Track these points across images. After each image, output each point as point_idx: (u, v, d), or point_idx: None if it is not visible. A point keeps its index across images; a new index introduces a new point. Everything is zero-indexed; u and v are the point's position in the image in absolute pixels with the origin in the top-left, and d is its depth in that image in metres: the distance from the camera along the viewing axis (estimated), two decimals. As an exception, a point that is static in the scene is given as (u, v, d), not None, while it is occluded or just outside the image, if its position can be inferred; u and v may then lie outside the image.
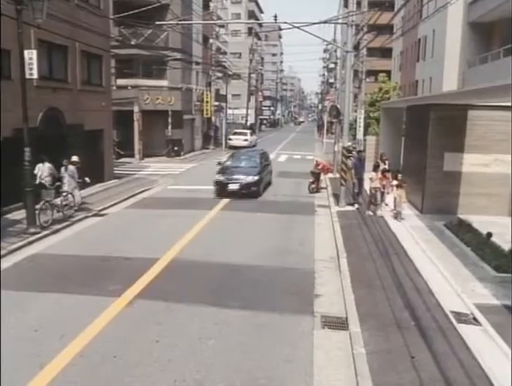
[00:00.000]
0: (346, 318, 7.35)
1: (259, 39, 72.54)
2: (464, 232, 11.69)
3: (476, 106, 13.93)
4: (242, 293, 8.47)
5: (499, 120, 13.99)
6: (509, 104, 13.13)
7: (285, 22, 17.62)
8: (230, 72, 45.96)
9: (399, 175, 14.36)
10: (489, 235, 11.06)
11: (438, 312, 7.54)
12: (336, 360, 6.26)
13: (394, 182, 14.33)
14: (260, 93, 73.41)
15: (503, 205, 14.12)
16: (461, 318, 7.32)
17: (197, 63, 35.19)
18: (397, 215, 13.81)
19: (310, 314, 7.60)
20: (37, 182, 12.99)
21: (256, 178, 17.50)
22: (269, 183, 20.02)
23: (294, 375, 5.92)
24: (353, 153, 18.12)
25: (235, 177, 17.40)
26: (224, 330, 7.04)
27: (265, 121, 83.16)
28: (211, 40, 40.49)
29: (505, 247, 10.42)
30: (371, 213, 14.41)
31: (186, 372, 5.90)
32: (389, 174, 14.77)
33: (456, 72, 26.89)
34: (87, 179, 14.84)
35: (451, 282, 8.78)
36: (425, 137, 14.59)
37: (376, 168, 14.90)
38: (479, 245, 10.56)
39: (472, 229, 11.96)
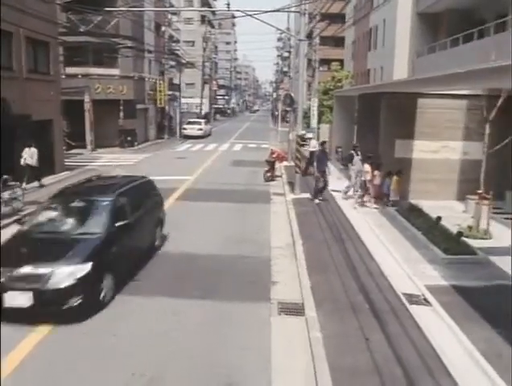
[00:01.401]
0: (302, 303, 7.46)
1: (213, 27, 71.67)
2: (415, 217, 12.07)
3: (425, 94, 14.34)
4: (200, 282, 8.45)
5: (447, 108, 14.47)
6: (456, 92, 13.61)
7: (238, 10, 17.57)
8: (184, 61, 45.32)
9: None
10: (439, 219, 11.46)
11: (391, 294, 7.78)
12: (294, 345, 6.35)
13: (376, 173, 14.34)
14: (214, 82, 72.89)
15: (451, 190, 14.67)
16: (413, 299, 7.58)
17: (149, 52, 34.50)
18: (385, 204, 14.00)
19: (267, 301, 7.67)
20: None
21: (78, 270, 6.96)
22: (158, 223, 10.55)
23: (252, 361, 5.98)
24: (309, 141, 18.19)
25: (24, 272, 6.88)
26: (183, 321, 7.01)
27: (219, 110, 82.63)
28: (163, 28, 39.75)
29: (454, 230, 10.85)
30: (374, 206, 14.15)
31: (145, 365, 5.84)
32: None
33: (406, 62, 27.50)
34: (42, 182, 14.72)
35: (403, 265, 9.06)
36: (377, 125, 14.92)
37: (351, 159, 14.95)
38: (429, 229, 10.93)
39: (423, 214, 12.37)
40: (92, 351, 6.15)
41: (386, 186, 14.07)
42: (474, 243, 10.29)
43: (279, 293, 7.95)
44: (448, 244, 9.86)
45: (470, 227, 11.23)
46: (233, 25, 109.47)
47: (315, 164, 15.43)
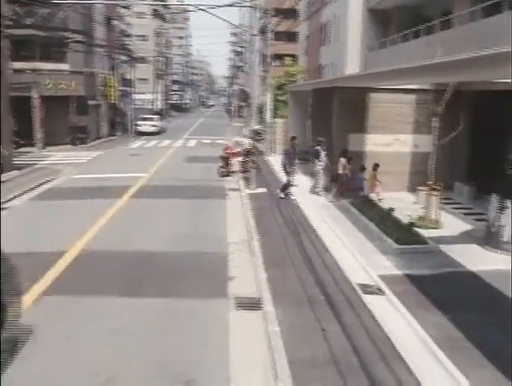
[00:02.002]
0: (260, 297, 7.50)
1: (165, 21, 70.69)
2: (368, 209, 12.34)
3: (376, 89, 14.66)
4: (157, 280, 8.34)
5: (397, 102, 14.85)
6: (406, 86, 13.99)
7: (190, 5, 17.41)
8: (136, 56, 44.52)
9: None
10: (391, 210, 11.78)
11: (345, 285, 7.93)
12: (252, 340, 6.37)
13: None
14: (168, 77, 71.96)
15: (403, 182, 15.08)
16: (367, 289, 7.75)
17: (100, 46, 33.67)
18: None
19: (224, 296, 7.65)
20: None
21: None
22: None
23: (211, 357, 5.95)
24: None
25: None
26: (138, 320, 6.89)
27: (174, 106, 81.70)
28: (114, 22, 38.86)
29: (405, 220, 11.18)
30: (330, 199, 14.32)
31: (101, 366, 5.72)
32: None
33: (358, 56, 28.00)
34: None
35: (357, 256, 9.26)
36: (330, 119, 15.14)
37: (317, 155, 14.97)
38: (382, 220, 11.20)
39: (376, 205, 12.67)
40: (46, 354, 5.96)
41: (359, 180, 14.30)
42: (425, 232, 10.63)
43: (237, 289, 7.95)
44: (400, 234, 10.14)
45: (421, 218, 11.59)
46: (186, 19, 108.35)
47: (285, 162, 14.95)
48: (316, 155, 15.18)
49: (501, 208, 9.81)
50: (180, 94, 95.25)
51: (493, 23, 14.11)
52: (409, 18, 22.77)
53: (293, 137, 15.78)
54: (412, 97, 14.75)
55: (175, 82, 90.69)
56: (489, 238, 10.10)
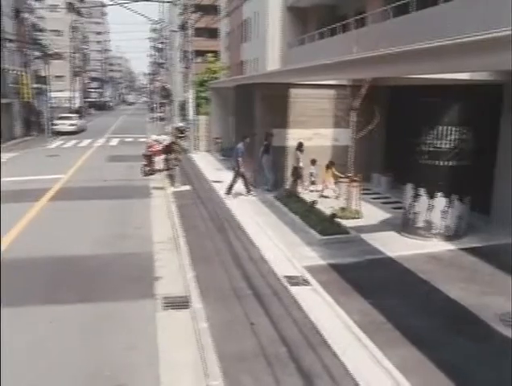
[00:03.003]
0: (187, 295, 7.43)
1: (81, 15, 67.93)
2: (293, 202, 12.60)
3: (297, 85, 14.95)
4: (80, 285, 8.03)
5: (317, 97, 15.24)
6: (325, 82, 14.39)
7: (106, -1, 16.77)
8: (50, 52, 42.43)
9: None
10: (314, 202, 12.10)
11: (272, 278, 8.05)
12: (180, 339, 6.30)
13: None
14: (86, 74, 69.31)
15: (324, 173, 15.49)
16: (293, 280, 7.92)
17: (10, 41, 31.75)
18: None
19: (151, 297, 7.51)
20: None
21: None
22: None
23: (139, 360, 5.83)
24: (183, 130, 17.75)
25: None
26: (61, 328, 6.60)
27: (93, 104, 78.82)
28: (25, 15, 36.78)
29: (328, 212, 11.53)
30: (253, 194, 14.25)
31: (21, 381, 5.41)
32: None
33: (278, 53, 28.45)
34: None
35: (282, 249, 9.43)
36: (253, 115, 15.26)
37: (267, 150, 14.76)
38: (305, 213, 11.48)
39: (300, 199, 12.96)
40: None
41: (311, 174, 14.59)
42: (347, 223, 11.03)
43: (164, 288, 7.83)
44: (323, 225, 10.44)
45: (342, 209, 12.00)
46: (104, 14, 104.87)
47: (239, 159, 14.25)
48: (267, 151, 14.76)
49: (416, 196, 10.38)
50: (100, 92, 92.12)
51: (402, 22, 14.87)
52: (326, 16, 23.48)
53: (246, 136, 14.77)
54: (331, 92, 15.20)
55: (93, 79, 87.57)
56: (406, 225, 10.66)
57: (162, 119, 35.31)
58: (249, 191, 14.33)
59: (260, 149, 14.84)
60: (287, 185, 14.63)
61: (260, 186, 14.91)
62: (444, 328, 6.56)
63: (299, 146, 14.48)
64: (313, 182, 14.76)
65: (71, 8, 58.98)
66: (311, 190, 14.58)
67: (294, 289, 7.57)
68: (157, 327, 6.58)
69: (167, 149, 17.43)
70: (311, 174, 14.83)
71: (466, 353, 5.96)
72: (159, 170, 18.13)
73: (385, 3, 16.76)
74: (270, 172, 14.85)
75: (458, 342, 6.21)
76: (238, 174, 14.33)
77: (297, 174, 14.33)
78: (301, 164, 14.39)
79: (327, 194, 14.02)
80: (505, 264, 8.76)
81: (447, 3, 13.07)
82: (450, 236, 10.19)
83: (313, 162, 14.73)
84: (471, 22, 11.07)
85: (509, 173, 10.57)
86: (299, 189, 14.36)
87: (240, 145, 14.34)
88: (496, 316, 6.83)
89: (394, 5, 15.60)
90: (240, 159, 14.15)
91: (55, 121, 38.29)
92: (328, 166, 14.24)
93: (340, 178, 13.60)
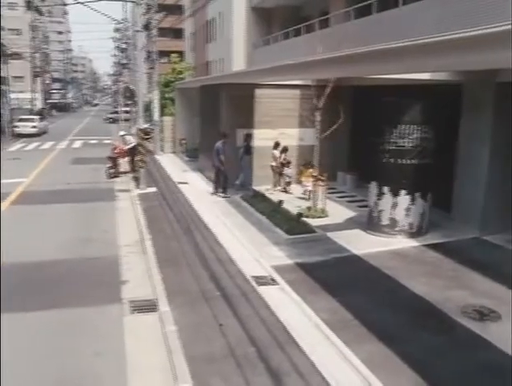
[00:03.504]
0: (155, 299, 7.36)
1: (41, 14, 66.22)
2: (259, 202, 12.64)
3: (262, 85, 15.00)
4: (46, 291, 7.83)
5: (282, 97, 15.34)
6: (289, 82, 14.49)
7: (66, -2, 16.42)
8: (9, 51, 41.21)
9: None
10: (280, 202, 12.17)
11: (240, 278, 8.06)
12: (149, 343, 6.24)
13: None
14: (47, 75, 67.71)
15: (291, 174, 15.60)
16: (261, 280, 7.95)
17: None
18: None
19: (118, 301, 7.40)
20: None
21: None
22: None
23: (107, 366, 5.74)
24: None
25: None
26: (26, 337, 6.43)
27: (56, 106, 76.99)
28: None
29: (294, 211, 11.61)
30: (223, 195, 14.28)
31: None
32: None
33: (243, 53, 28.45)
34: None
35: (250, 249, 9.45)
36: (218, 116, 15.23)
37: (248, 151, 14.85)
38: (272, 213, 11.54)
39: (266, 198, 13.01)
40: None
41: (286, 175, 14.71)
42: (313, 222, 11.14)
43: (131, 292, 7.72)
44: (290, 225, 10.52)
45: (309, 208, 12.11)
46: (65, 13, 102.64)
47: (221, 157, 14.20)
48: (247, 151, 14.90)
49: (380, 194, 10.57)
50: (62, 93, 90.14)
51: (363, 23, 15.10)
52: (291, 17, 23.61)
53: (224, 134, 14.63)
54: (296, 92, 15.31)
55: (55, 80, 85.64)
56: (371, 223, 10.85)
57: (127, 120, 34.80)
58: (225, 191, 14.34)
59: (240, 150, 14.97)
60: (269, 184, 14.76)
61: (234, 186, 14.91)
62: (410, 323, 6.72)
63: (276, 146, 14.71)
64: (289, 183, 14.80)
65: (30, 6, 57.38)
66: (284, 191, 14.65)
67: (262, 289, 7.60)
68: (124, 332, 6.49)
69: (132, 151, 17.27)
70: (287, 175, 14.87)
71: (430, 346, 6.11)
72: (124, 173, 17.92)
73: (347, 5, 16.98)
74: (248, 172, 14.98)
75: (423, 337, 6.36)
76: (220, 172, 14.40)
77: (278, 172, 14.54)
78: (274, 163, 14.64)
79: (304, 195, 14.00)
80: (466, 259, 9.03)
81: (405, 6, 13.34)
82: (413, 233, 10.42)
83: (288, 163, 14.80)
84: (428, 23, 11.35)
85: (468, 171, 10.88)
86: (280, 187, 14.59)
87: (219, 144, 14.34)
88: (458, 309, 7.03)
89: (355, 6, 15.82)
90: (222, 157, 14.17)
91: (16, 123, 37.20)
92: (306, 167, 14.31)
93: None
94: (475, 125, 10.71)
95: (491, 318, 6.84)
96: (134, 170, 16.30)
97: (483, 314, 6.91)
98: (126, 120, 35.08)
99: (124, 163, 18.27)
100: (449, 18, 10.79)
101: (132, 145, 17.69)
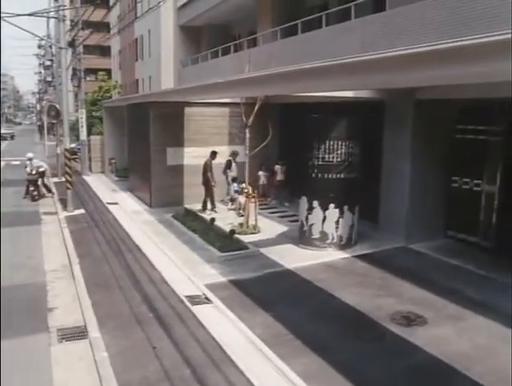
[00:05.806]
0: (84, 325, 7.08)
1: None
2: (191, 221, 12.55)
3: (191, 103, 15.01)
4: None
5: (212, 115, 15.44)
6: (219, 100, 14.60)
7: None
8: None
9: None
10: (213, 220, 12.15)
11: (173, 299, 7.93)
12: (78, 371, 5.97)
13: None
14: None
15: (223, 191, 15.62)
16: (195, 300, 7.86)
17: None
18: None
19: (45, 330, 7.04)
20: None
21: None
22: None
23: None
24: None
25: None
26: None
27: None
28: None
29: (227, 228, 11.63)
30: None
31: None
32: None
33: (172, 71, 28.33)
34: None
35: (183, 269, 9.33)
36: (147, 134, 15.05)
37: (229, 166, 14.72)
38: (204, 231, 11.49)
39: (198, 217, 12.94)
40: None
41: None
42: (246, 238, 11.20)
43: (58, 320, 7.37)
44: (223, 242, 10.53)
45: (241, 225, 12.16)
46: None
47: (208, 175, 14.04)
48: (229, 166, 14.86)
49: (310, 209, 10.82)
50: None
51: (288, 43, 15.54)
52: (220, 36, 23.85)
53: (214, 152, 14.42)
54: (226, 110, 15.45)
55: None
56: (302, 237, 11.06)
57: (52, 140, 33.51)
58: (213, 207, 14.29)
59: (223, 165, 14.95)
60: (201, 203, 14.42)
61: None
62: (342, 333, 6.89)
63: (261, 167, 15.04)
64: (233, 200, 14.66)
65: None
66: (230, 208, 14.58)
67: (196, 309, 7.51)
68: (52, 362, 6.18)
69: (41, 174, 17.70)
70: (233, 191, 14.68)
71: (362, 354, 6.29)
72: (43, 196, 17.47)
73: (274, 24, 17.41)
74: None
75: (355, 345, 6.55)
76: (210, 189, 14.23)
77: (208, 186, 14.22)
78: (261, 181, 14.86)
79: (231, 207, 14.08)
80: (393, 268, 9.42)
81: (328, 27, 13.89)
82: (343, 245, 10.74)
83: (234, 179, 14.71)
84: (350, 45, 11.88)
85: (392, 183, 11.41)
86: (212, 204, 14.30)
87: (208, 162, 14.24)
88: (387, 316, 7.30)
89: (281, 27, 16.26)
90: (209, 175, 14.09)
91: None
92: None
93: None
94: (396, 139, 11.27)
95: (418, 322, 7.16)
96: (49, 191, 17.25)
97: (410, 320, 7.22)
98: (52, 140, 33.78)
99: (41, 186, 17.82)
100: (368, 40, 11.37)
101: (42, 169, 17.66)
